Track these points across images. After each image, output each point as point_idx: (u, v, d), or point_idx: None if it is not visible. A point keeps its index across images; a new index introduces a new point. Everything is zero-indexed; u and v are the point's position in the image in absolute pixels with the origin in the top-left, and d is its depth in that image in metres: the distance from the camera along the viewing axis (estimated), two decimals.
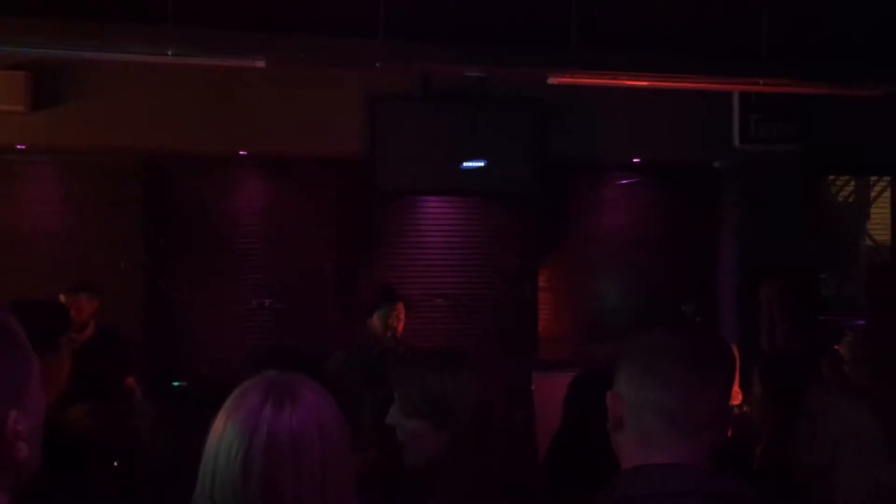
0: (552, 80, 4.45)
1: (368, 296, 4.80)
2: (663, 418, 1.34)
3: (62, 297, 4.38)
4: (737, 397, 3.96)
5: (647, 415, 1.36)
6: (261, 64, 4.28)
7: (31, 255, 5.41)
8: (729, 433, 1.45)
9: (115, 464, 3.18)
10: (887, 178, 6.82)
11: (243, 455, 1.22)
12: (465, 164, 5.63)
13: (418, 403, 1.85)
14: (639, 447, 1.37)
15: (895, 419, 1.69)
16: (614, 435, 1.42)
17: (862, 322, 5.55)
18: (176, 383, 4.47)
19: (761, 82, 4.63)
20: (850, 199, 7.15)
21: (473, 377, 1.88)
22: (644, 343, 1.43)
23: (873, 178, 6.98)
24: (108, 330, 4.75)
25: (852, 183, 7.06)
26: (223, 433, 1.25)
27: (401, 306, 4.60)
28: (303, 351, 5.11)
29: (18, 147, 5.37)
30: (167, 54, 4.10)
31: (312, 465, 1.24)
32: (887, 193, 6.87)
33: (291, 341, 5.51)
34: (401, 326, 4.54)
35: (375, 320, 4.56)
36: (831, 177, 6.88)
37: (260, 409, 1.25)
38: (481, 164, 5.64)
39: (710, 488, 1.31)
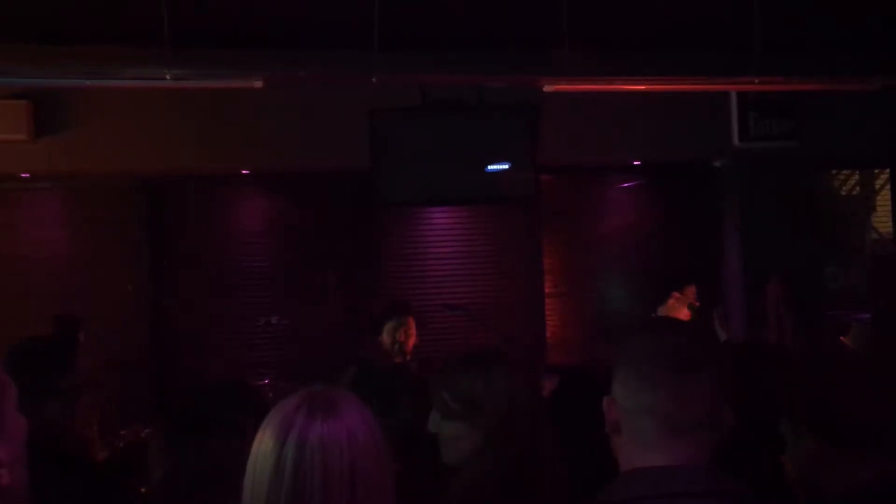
0: (548, 89, 4.46)
1: (377, 310, 4.77)
2: (655, 420, 1.37)
3: None
4: None
5: (640, 418, 1.38)
6: (258, 84, 4.29)
7: (40, 282, 5.45)
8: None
9: None
10: (888, 169, 6.81)
11: (276, 457, 1.28)
12: (490, 167, 5.65)
13: (452, 406, 1.93)
14: (635, 450, 1.39)
15: None
16: (612, 438, 1.45)
17: (867, 315, 5.55)
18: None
19: (756, 81, 4.62)
20: (854, 192, 7.14)
21: (505, 375, 1.93)
22: (633, 347, 1.46)
23: (875, 170, 6.97)
24: None
25: (856, 175, 7.05)
26: (263, 438, 1.32)
27: (411, 321, 4.51)
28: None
29: (23, 175, 5.41)
30: (165, 78, 4.11)
31: (341, 472, 1.27)
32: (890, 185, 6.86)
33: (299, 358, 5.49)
34: (411, 341, 4.46)
35: (385, 335, 4.50)
36: (833, 171, 6.88)
37: (294, 415, 1.31)
38: (505, 166, 5.65)
39: (705, 487, 1.33)
